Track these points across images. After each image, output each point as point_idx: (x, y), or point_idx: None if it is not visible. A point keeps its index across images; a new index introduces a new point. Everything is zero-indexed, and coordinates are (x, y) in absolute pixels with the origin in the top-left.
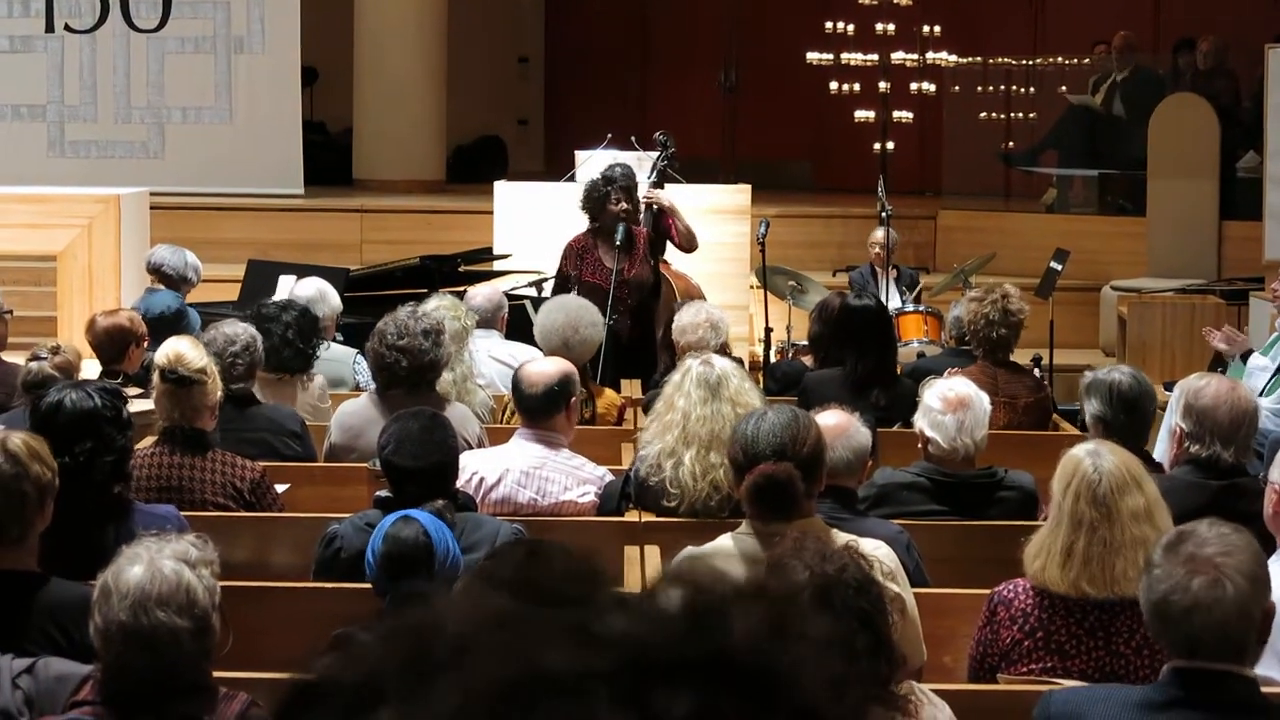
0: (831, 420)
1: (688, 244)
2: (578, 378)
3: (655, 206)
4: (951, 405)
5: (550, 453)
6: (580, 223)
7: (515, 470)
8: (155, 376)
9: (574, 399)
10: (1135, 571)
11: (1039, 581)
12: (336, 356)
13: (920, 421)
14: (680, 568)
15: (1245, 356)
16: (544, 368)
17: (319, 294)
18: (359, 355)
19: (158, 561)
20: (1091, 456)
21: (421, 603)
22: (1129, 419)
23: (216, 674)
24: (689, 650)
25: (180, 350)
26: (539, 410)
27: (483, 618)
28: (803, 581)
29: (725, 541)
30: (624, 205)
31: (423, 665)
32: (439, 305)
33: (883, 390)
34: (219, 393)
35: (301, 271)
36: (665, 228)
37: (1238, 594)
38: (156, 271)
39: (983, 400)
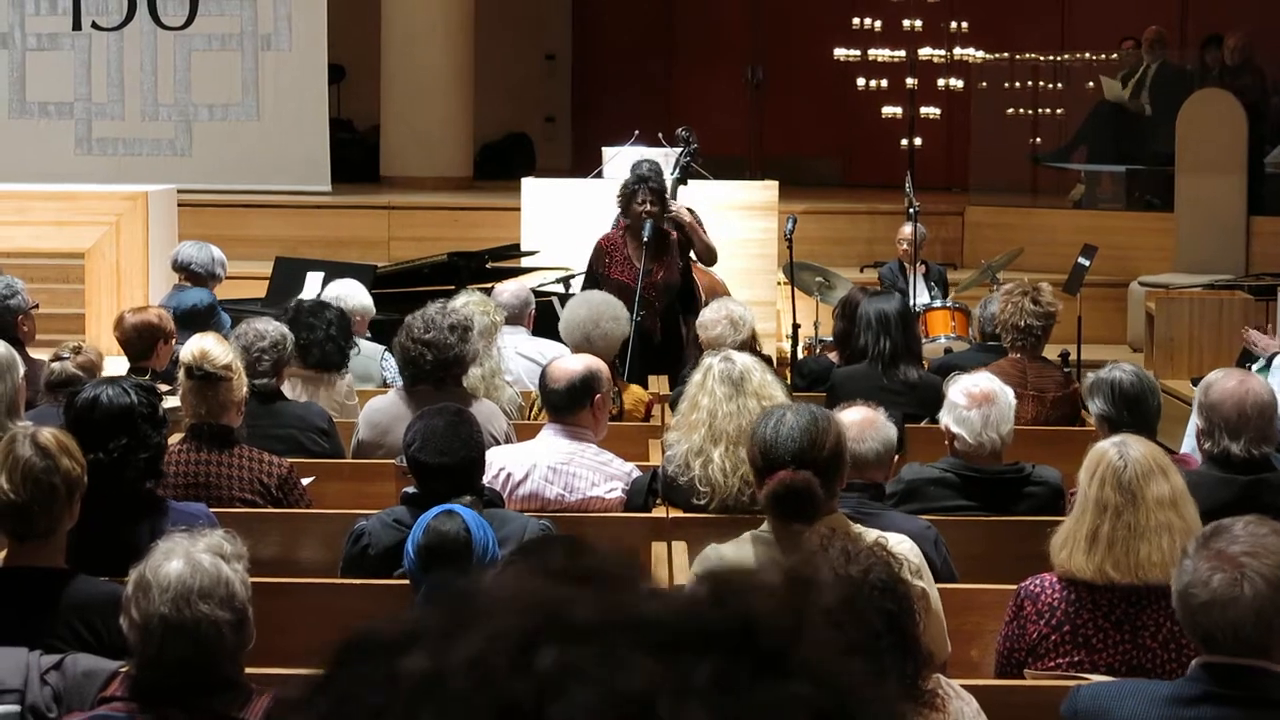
0: (858, 415)
1: (708, 258)
2: (606, 374)
3: (675, 216)
4: (976, 400)
5: (578, 448)
6: (607, 219)
7: (542, 466)
8: (181, 373)
9: (600, 395)
10: (1160, 557)
11: (1065, 570)
12: (365, 352)
13: (945, 417)
14: (711, 568)
15: (1270, 360)
16: (569, 364)
17: (351, 294)
18: (386, 352)
19: (195, 555)
20: (1118, 446)
21: (458, 582)
22: (1133, 415)
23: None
24: (711, 624)
25: (205, 347)
26: (563, 406)
27: (519, 588)
28: (827, 584)
29: (745, 541)
30: (650, 205)
31: (457, 622)
32: (468, 301)
33: (910, 365)
34: (245, 389)
35: (329, 268)
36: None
37: (1255, 595)
38: (184, 269)
39: (1007, 394)
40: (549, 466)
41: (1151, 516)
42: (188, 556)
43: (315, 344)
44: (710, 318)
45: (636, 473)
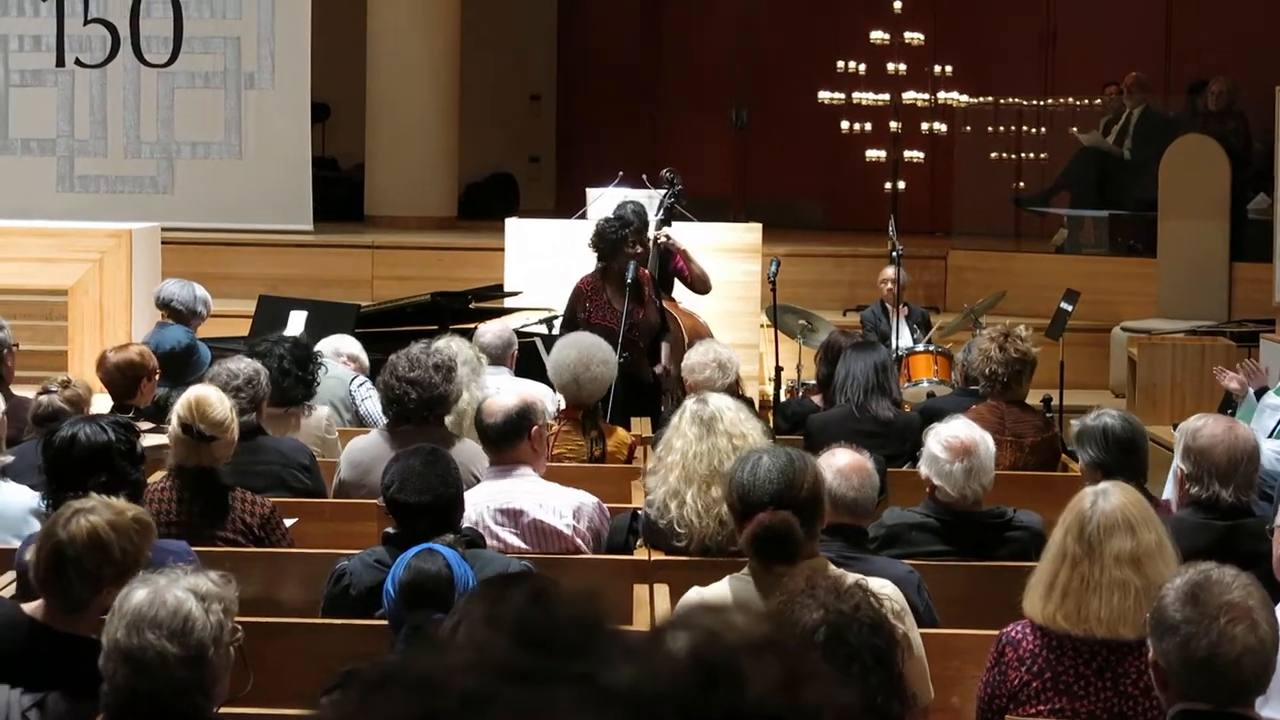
0: (843, 460)
1: (702, 287)
2: (541, 407)
3: (662, 244)
4: (957, 453)
5: (513, 484)
6: (591, 260)
7: (485, 512)
8: (174, 424)
9: (536, 428)
10: (1108, 613)
11: (1027, 613)
12: (337, 374)
13: (926, 469)
14: (686, 613)
15: (1260, 393)
16: (502, 399)
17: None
18: (357, 377)
19: (165, 588)
20: (1096, 495)
21: (427, 647)
22: (1126, 460)
23: (226, 710)
24: (704, 710)
25: (204, 404)
26: (500, 439)
27: (491, 669)
28: (817, 619)
29: (724, 586)
30: (639, 249)
31: (400, 697)
32: (452, 342)
33: (882, 402)
34: (235, 439)
35: (313, 307)
36: (673, 268)
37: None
38: (166, 306)
39: (986, 441)
40: (496, 509)
41: (1107, 572)
42: (156, 588)
43: (271, 384)
44: (697, 360)
45: (587, 500)
